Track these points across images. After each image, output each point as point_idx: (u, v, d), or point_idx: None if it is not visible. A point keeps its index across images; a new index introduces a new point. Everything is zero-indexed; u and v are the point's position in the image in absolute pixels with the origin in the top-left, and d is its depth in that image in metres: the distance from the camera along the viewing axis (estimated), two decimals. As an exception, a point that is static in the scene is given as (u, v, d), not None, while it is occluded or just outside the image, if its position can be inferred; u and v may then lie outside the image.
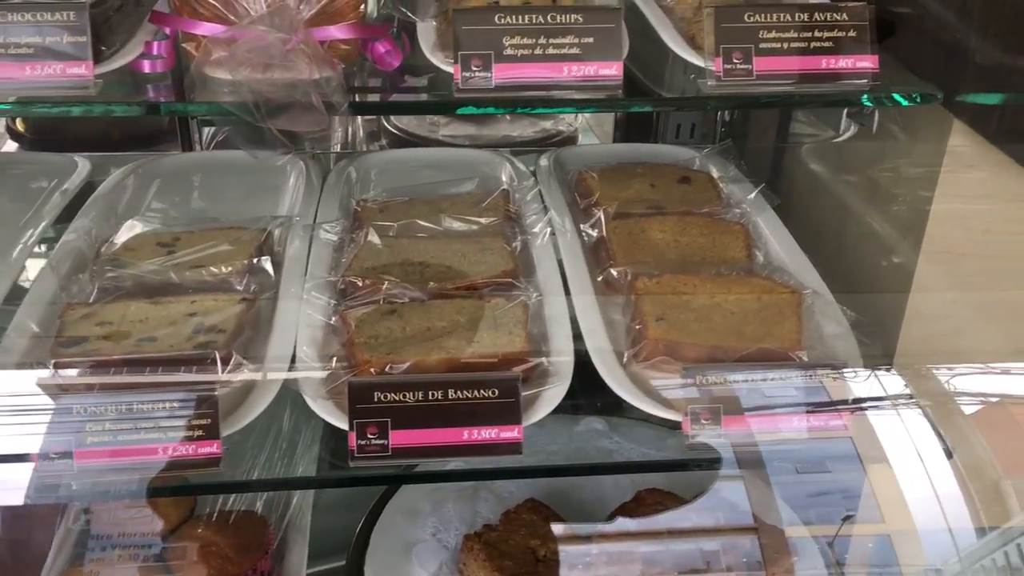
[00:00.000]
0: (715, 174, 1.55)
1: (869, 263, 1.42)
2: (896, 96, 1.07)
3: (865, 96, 1.06)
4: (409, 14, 1.15)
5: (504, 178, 1.54)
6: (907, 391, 1.24)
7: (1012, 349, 1.30)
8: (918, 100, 1.07)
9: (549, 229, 1.34)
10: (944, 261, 1.32)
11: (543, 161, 1.58)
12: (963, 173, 1.27)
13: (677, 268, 1.28)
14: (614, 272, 1.27)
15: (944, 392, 1.34)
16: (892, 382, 1.22)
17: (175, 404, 0.99)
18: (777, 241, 1.36)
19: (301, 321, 1.14)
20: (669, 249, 1.34)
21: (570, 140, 1.95)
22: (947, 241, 1.32)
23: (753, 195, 1.46)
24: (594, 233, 1.39)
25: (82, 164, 1.55)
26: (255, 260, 1.23)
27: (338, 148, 1.89)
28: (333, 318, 1.15)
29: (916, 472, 1.15)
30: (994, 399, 1.32)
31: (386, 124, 1.96)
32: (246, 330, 1.12)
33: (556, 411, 1.06)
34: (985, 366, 1.33)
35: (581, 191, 1.49)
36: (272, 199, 1.50)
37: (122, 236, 1.31)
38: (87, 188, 1.49)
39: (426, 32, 1.13)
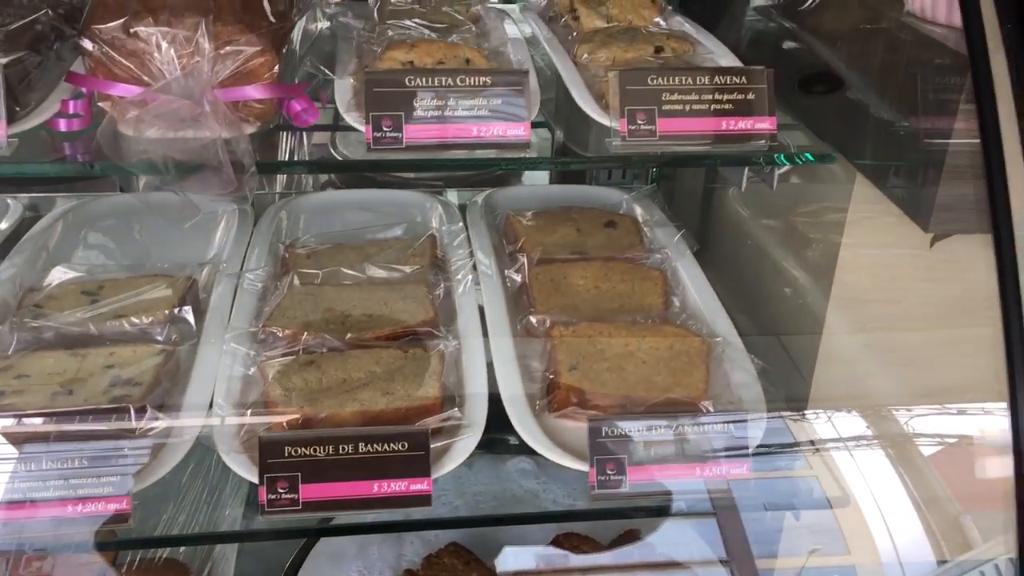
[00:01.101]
0: (641, 218, 1.59)
1: (785, 306, 1.47)
2: (792, 157, 1.11)
3: (763, 157, 1.11)
4: (327, 72, 1.18)
5: (434, 221, 1.57)
6: (814, 434, 1.29)
7: (919, 391, 1.35)
8: (813, 160, 1.12)
9: (471, 277, 1.37)
10: (853, 306, 1.37)
11: (476, 202, 1.61)
12: (869, 222, 1.32)
13: (595, 315, 1.31)
14: (533, 319, 1.30)
15: (857, 434, 1.39)
16: (796, 426, 1.27)
17: (84, 460, 1.00)
18: (694, 287, 1.39)
19: (219, 372, 1.16)
20: (589, 295, 1.38)
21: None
22: (856, 287, 1.37)
23: (675, 239, 1.50)
24: (517, 278, 1.42)
25: (14, 206, 1.55)
26: (176, 310, 1.24)
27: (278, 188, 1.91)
28: (251, 369, 1.17)
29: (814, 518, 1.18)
30: (902, 439, 1.37)
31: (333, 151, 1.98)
32: (163, 382, 1.13)
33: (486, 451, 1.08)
34: (895, 408, 1.38)
35: (508, 235, 1.52)
36: (204, 241, 1.51)
37: (46, 284, 1.31)
38: (21, 229, 1.49)
39: (343, 89, 1.15)
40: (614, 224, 1.56)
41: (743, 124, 1.10)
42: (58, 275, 1.35)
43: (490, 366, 1.22)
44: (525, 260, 1.43)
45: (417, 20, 1.35)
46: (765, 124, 1.11)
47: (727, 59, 1.29)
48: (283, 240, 1.49)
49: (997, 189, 0.95)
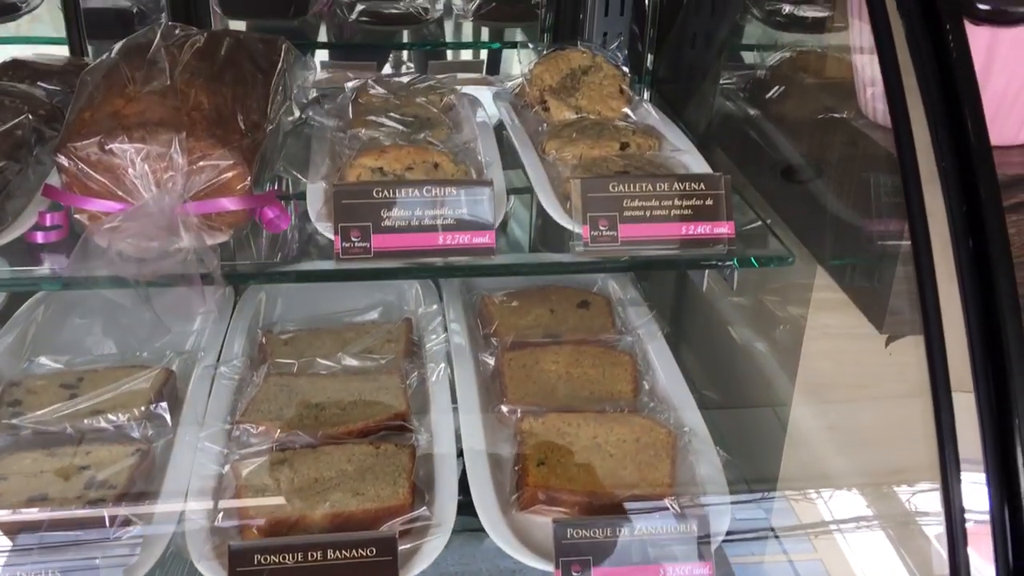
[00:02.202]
0: (615, 295, 1.62)
1: (754, 384, 1.50)
2: (750, 260, 1.14)
3: (723, 260, 1.14)
4: (300, 176, 1.21)
5: (411, 302, 1.60)
6: (781, 523, 1.31)
7: (887, 470, 1.38)
8: (771, 264, 1.15)
9: (444, 365, 1.39)
10: (817, 389, 1.40)
11: (452, 280, 1.64)
12: (832, 308, 1.35)
13: (566, 403, 1.34)
14: (504, 409, 1.32)
15: (823, 517, 1.41)
16: (764, 512, 1.29)
17: (57, 568, 1.02)
18: (663, 371, 1.42)
19: (193, 472, 1.18)
20: (560, 382, 1.40)
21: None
22: (821, 371, 1.40)
23: (646, 320, 1.53)
24: (491, 362, 1.45)
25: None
26: (152, 406, 1.27)
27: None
28: (225, 467, 1.19)
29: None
30: (872, 521, 1.40)
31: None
32: (137, 484, 1.15)
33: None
34: (859, 489, 1.40)
35: (483, 317, 1.55)
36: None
37: (26, 377, 1.34)
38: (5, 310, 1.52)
39: (315, 195, 1.18)
40: (587, 304, 1.59)
41: (702, 229, 1.14)
42: (38, 367, 1.38)
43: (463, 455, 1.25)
44: (498, 345, 1.46)
45: (391, 115, 1.39)
46: (723, 228, 1.14)
47: (691, 154, 1.33)
48: (260, 325, 1.52)
49: (927, 294, 0.98)
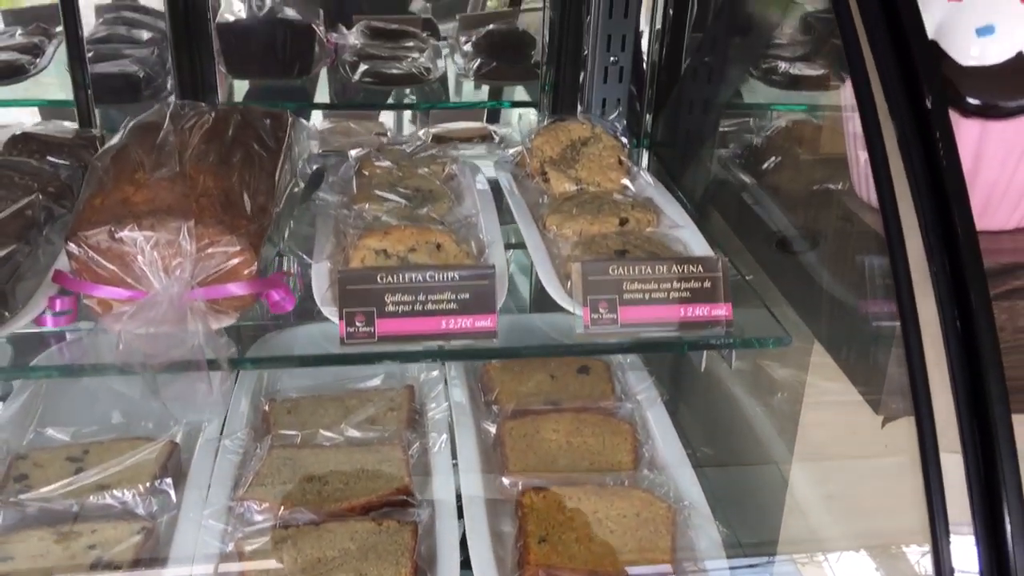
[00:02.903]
0: (614, 361, 1.64)
1: (752, 454, 1.51)
2: (749, 342, 1.16)
3: (721, 342, 1.16)
4: (304, 256, 1.23)
5: (413, 367, 1.62)
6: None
7: (884, 536, 1.39)
8: (770, 345, 1.17)
9: (446, 436, 1.41)
10: (816, 458, 1.41)
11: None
12: (829, 379, 1.36)
13: (566, 474, 1.36)
14: (506, 482, 1.34)
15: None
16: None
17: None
18: (662, 440, 1.44)
19: (197, 551, 1.19)
20: (561, 452, 1.42)
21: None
22: (817, 441, 1.41)
23: (645, 386, 1.55)
24: (492, 430, 1.47)
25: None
26: (157, 482, 1.28)
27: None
28: (229, 545, 1.20)
29: None
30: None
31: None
32: (143, 563, 1.16)
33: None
34: (856, 553, 1.41)
35: (485, 383, 1.57)
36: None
37: (32, 449, 1.36)
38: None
39: (320, 276, 1.21)
40: (587, 370, 1.61)
41: (700, 311, 1.16)
42: (44, 439, 1.40)
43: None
44: (500, 414, 1.48)
45: (394, 188, 1.41)
46: (721, 311, 1.16)
47: (689, 229, 1.35)
48: (264, 390, 1.53)
49: (917, 374, 0.99)
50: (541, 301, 1.33)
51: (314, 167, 1.50)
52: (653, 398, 1.52)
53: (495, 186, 1.53)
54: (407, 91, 2.28)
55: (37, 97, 2.11)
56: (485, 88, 2.36)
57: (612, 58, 1.73)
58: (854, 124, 1.17)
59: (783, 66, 1.54)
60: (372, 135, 2.46)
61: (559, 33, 1.89)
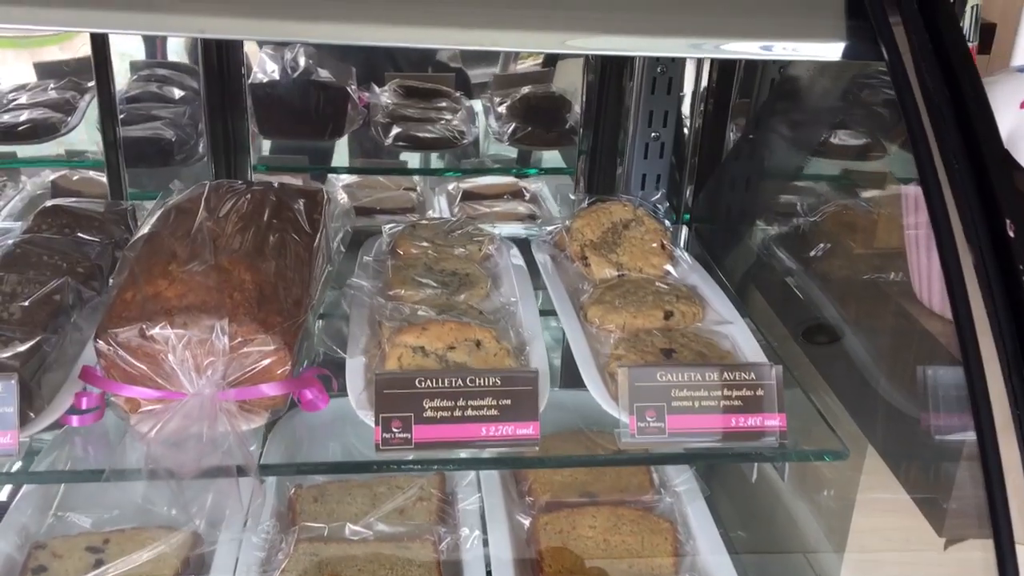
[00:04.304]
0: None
1: (795, 558, 1.44)
2: (804, 456, 1.11)
3: (774, 454, 1.10)
4: (338, 350, 1.19)
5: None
6: None
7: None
8: (826, 459, 1.11)
9: (478, 532, 1.35)
10: (866, 566, 1.35)
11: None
12: (882, 491, 1.30)
13: (604, 577, 1.30)
14: (541, 586, 1.28)
15: None
16: None
17: None
18: (705, 542, 1.37)
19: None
20: (598, 551, 1.36)
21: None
22: (869, 547, 1.34)
23: (685, 478, 1.49)
24: (526, 523, 1.41)
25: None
26: (180, 579, 1.23)
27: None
28: (253, 656, 1.15)
29: None
30: None
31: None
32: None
33: None
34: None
35: (518, 471, 1.51)
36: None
37: (51, 538, 1.31)
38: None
39: (355, 372, 1.16)
40: (620, 452, 1.55)
41: (752, 421, 1.10)
42: (64, 525, 1.35)
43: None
44: (533, 507, 1.42)
45: (431, 274, 1.37)
46: (775, 421, 1.10)
47: (737, 326, 1.30)
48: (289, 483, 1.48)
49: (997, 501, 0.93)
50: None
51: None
52: (693, 492, 1.46)
53: (528, 257, 1.49)
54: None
55: (67, 154, 2.10)
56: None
57: (653, 134, 1.70)
58: (917, 230, 1.12)
59: (838, 151, 1.49)
60: (401, 189, 2.43)
61: (597, 98, 1.86)
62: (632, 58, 1.68)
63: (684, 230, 1.78)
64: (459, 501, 1.44)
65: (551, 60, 2.58)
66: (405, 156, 2.28)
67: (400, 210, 2.26)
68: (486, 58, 2.61)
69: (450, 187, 2.47)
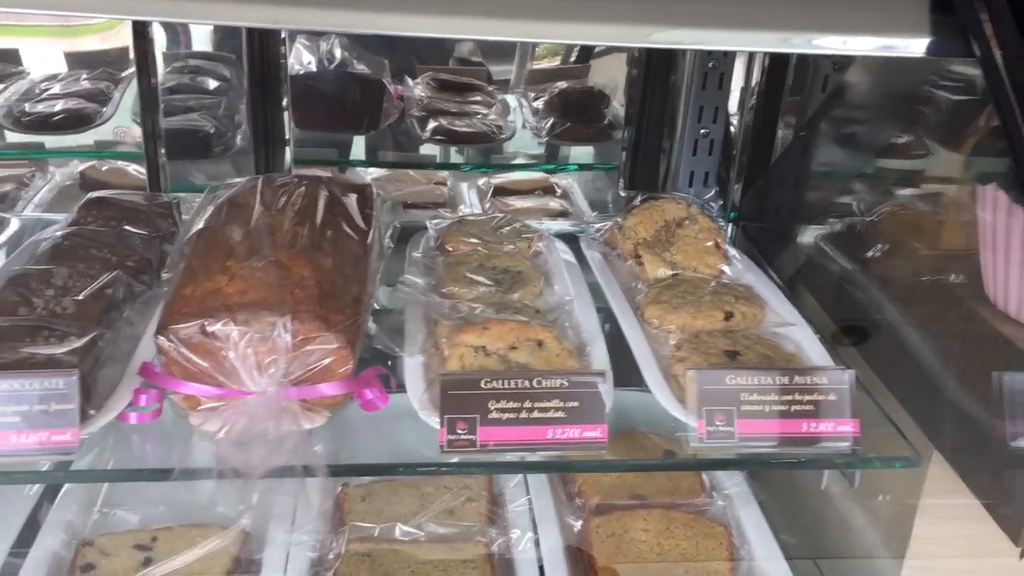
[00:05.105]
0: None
1: (854, 566, 1.41)
2: (876, 462, 1.08)
3: (846, 460, 1.08)
4: (396, 349, 1.17)
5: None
6: None
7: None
8: (898, 466, 1.08)
9: (530, 534, 1.33)
10: (927, 574, 1.32)
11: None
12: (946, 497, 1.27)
13: (660, 583, 1.27)
14: (598, 590, 1.26)
15: None
16: None
17: None
18: (760, 547, 1.35)
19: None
20: (652, 555, 1.33)
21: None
22: (929, 552, 1.32)
23: (735, 481, 1.46)
24: (576, 525, 1.38)
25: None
26: (232, 578, 1.21)
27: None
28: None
29: None
30: None
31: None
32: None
33: None
34: None
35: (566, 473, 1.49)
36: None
37: (98, 535, 1.29)
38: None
39: (413, 372, 1.14)
40: (673, 455, 1.52)
41: (824, 427, 1.08)
42: (110, 521, 1.33)
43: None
44: (583, 508, 1.40)
45: (483, 271, 1.35)
46: (848, 427, 1.08)
47: (800, 327, 1.27)
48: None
49: None
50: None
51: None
52: (745, 495, 1.43)
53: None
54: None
55: (98, 144, 2.08)
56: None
57: (703, 130, 1.67)
58: (995, 231, 1.09)
59: (900, 150, 1.46)
60: (431, 184, 2.41)
61: (641, 93, 1.83)
62: (683, 53, 1.65)
63: (731, 228, 1.75)
64: (508, 502, 1.42)
65: (585, 55, 2.55)
66: (427, 150, 2.25)
67: (431, 205, 2.24)
68: (507, 53, 2.59)
69: (480, 182, 2.44)
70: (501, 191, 2.38)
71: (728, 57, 1.61)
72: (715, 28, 0.88)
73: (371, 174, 2.26)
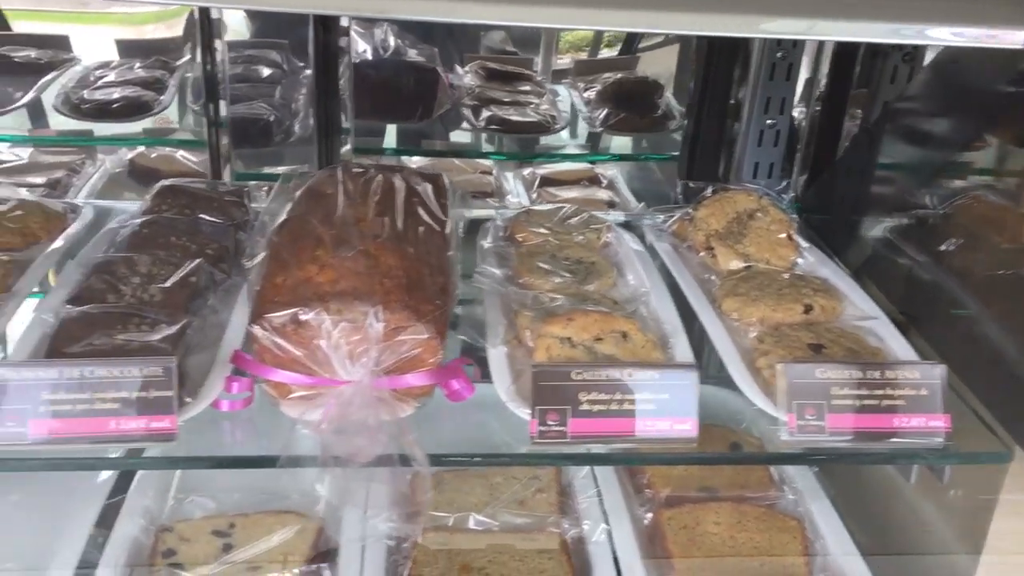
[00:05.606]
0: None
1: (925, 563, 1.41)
2: (968, 458, 1.07)
3: (935, 455, 1.07)
4: (479, 339, 1.17)
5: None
6: None
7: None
8: (983, 461, 1.08)
9: (603, 525, 1.33)
10: (1005, 570, 1.31)
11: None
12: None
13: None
14: (677, 581, 1.26)
15: None
16: None
17: None
18: (834, 543, 1.34)
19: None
20: (725, 548, 1.33)
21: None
22: (1006, 548, 1.30)
23: (804, 474, 1.46)
24: (646, 517, 1.38)
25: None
26: (313, 566, 1.22)
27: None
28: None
29: None
30: None
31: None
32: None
33: None
34: None
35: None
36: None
37: (176, 521, 1.31)
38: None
39: (498, 363, 1.14)
40: (739, 447, 1.52)
41: (916, 422, 1.07)
42: (187, 507, 1.35)
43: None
44: (653, 500, 1.40)
45: (557, 262, 1.35)
46: (939, 422, 1.07)
47: (881, 321, 1.26)
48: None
49: None
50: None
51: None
52: (815, 489, 1.43)
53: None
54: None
55: (145, 132, 2.09)
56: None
57: (769, 121, 1.65)
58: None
59: (981, 143, 1.44)
60: (477, 173, 2.41)
61: (702, 83, 1.82)
62: (750, 43, 1.64)
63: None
64: (576, 493, 1.42)
65: (629, 45, 2.54)
66: (458, 137, 2.24)
67: (479, 194, 2.24)
68: (536, 43, 2.58)
69: (525, 172, 2.44)
70: (548, 181, 2.38)
71: (797, 47, 1.60)
72: (823, 18, 0.87)
73: (413, 162, 2.26)
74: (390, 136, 2.19)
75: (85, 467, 1.08)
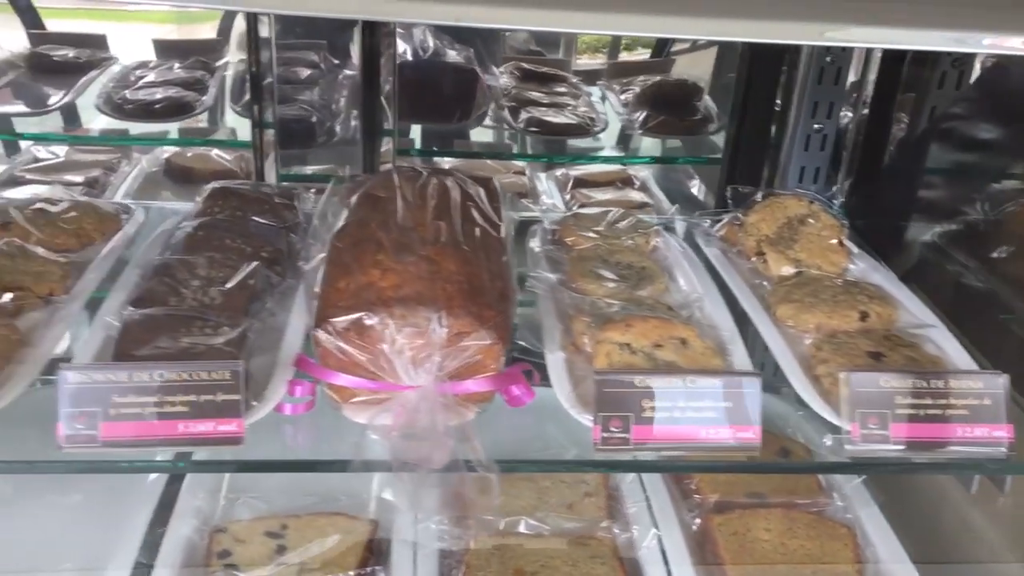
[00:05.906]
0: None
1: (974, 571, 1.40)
2: (1030, 468, 1.07)
3: (999, 465, 1.06)
4: (537, 343, 1.17)
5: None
6: None
7: None
8: (1053, 472, 1.07)
9: (653, 530, 1.33)
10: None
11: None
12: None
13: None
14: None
15: None
16: None
17: None
18: (886, 551, 1.33)
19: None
20: (776, 555, 1.33)
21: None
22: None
23: (852, 481, 1.45)
24: (695, 523, 1.38)
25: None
26: (368, 569, 1.23)
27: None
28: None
29: None
30: None
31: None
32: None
33: None
34: None
35: (678, 468, 1.48)
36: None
37: (230, 522, 1.31)
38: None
39: (557, 369, 1.14)
40: (788, 453, 1.51)
41: (979, 432, 1.06)
42: (238, 508, 1.35)
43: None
44: (702, 505, 1.39)
45: (609, 267, 1.34)
46: (1003, 432, 1.06)
47: (939, 330, 1.25)
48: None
49: None
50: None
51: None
52: (864, 497, 1.42)
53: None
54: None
55: (186, 131, 2.10)
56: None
57: (816, 125, 1.65)
58: None
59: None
60: (510, 173, 2.41)
61: (745, 86, 1.81)
62: (797, 47, 1.63)
63: (838, 225, 1.73)
64: (625, 497, 1.42)
65: (660, 49, 2.53)
66: (480, 136, 2.24)
67: (514, 195, 2.24)
68: (557, 44, 2.58)
69: (557, 173, 2.44)
70: (581, 182, 2.38)
71: (846, 52, 1.59)
72: (887, 26, 0.86)
73: (444, 163, 2.26)
74: (417, 136, 2.20)
75: (158, 470, 1.09)
